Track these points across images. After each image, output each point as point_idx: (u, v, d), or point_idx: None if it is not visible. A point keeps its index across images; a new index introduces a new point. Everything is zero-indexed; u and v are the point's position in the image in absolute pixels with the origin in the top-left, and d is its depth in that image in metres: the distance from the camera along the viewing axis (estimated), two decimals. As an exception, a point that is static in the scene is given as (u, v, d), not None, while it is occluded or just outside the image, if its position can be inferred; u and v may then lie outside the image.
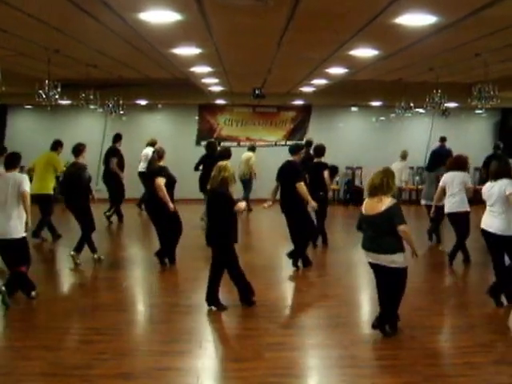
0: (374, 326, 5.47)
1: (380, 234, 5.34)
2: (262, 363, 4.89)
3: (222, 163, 6.40)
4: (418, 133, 16.29)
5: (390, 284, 5.43)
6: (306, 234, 8.30)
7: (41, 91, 8.30)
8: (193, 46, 7.43)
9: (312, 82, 11.77)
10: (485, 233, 6.49)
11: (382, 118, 16.50)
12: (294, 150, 8.52)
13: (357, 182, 16.15)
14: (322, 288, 6.53)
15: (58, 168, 9.67)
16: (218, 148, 11.55)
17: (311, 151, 10.51)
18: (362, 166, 15.82)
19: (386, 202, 5.27)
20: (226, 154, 9.89)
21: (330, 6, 5.05)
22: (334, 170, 10.97)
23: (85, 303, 6.73)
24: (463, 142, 14.51)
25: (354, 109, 16.72)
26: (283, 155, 9.23)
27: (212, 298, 6.22)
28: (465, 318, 6.12)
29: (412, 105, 12.16)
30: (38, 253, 9.20)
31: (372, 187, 5.37)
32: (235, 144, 15.88)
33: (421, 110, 12.85)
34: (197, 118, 16.46)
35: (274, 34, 6.45)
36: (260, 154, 15.00)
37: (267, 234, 12.03)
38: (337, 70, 9.69)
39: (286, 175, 8.24)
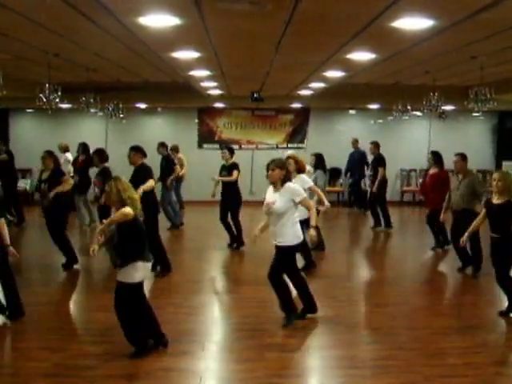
0: None
1: None
2: (263, 364, 4.93)
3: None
4: (416, 135, 16.35)
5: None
6: None
7: (41, 95, 8.31)
8: (191, 49, 7.49)
9: (310, 85, 11.84)
10: None
11: (380, 121, 16.55)
12: None
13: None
14: (321, 289, 6.59)
15: None
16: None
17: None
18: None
19: None
20: None
21: (327, 10, 5.11)
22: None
23: (88, 304, 6.79)
24: (461, 145, 14.52)
25: (351, 112, 16.76)
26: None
27: None
28: (464, 319, 6.16)
29: (409, 107, 12.21)
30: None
31: None
32: (237, 147, 15.86)
33: (418, 113, 12.91)
34: (196, 121, 16.51)
35: (272, 37, 6.50)
36: (262, 157, 15.02)
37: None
38: (334, 74, 9.75)
39: None
